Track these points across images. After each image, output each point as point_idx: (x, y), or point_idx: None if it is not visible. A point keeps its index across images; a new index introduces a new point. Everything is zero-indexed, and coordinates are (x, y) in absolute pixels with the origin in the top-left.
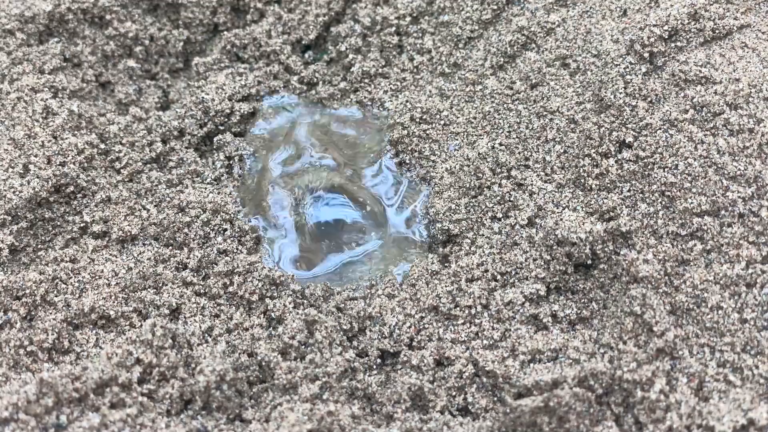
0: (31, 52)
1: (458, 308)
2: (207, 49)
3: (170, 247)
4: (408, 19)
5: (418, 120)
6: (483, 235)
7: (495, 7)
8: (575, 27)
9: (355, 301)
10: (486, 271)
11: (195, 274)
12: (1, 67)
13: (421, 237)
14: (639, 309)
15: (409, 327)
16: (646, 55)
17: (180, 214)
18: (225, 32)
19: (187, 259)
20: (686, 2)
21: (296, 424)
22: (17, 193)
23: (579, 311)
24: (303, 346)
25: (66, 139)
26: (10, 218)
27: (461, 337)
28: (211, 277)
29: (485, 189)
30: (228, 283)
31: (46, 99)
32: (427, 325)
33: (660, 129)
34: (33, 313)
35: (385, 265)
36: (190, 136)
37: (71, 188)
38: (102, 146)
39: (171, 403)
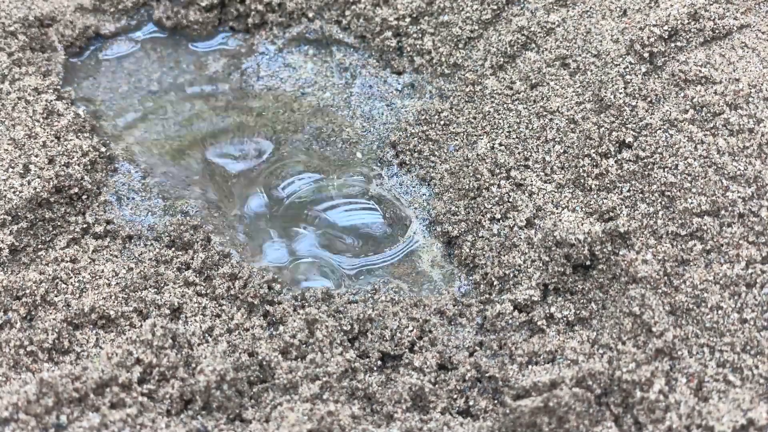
0: (34, 55)
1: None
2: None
3: (172, 248)
4: (408, 19)
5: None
6: (482, 237)
7: (495, 7)
8: (575, 27)
9: (356, 304)
10: (485, 274)
11: (197, 274)
12: (2, 67)
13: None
14: (638, 309)
15: (411, 331)
16: (646, 55)
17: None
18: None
19: (190, 260)
20: (686, 2)
21: (296, 424)
22: (17, 193)
23: (578, 312)
24: (304, 346)
25: (70, 140)
26: (10, 218)
27: (465, 342)
28: (214, 279)
29: (484, 190)
30: (230, 286)
31: (50, 100)
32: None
33: (660, 129)
34: (33, 313)
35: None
36: None
37: (75, 189)
38: (103, 149)
39: (171, 403)
